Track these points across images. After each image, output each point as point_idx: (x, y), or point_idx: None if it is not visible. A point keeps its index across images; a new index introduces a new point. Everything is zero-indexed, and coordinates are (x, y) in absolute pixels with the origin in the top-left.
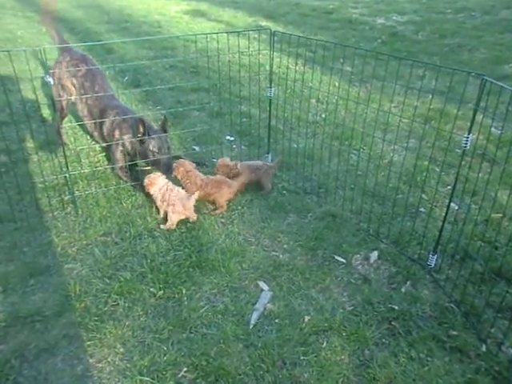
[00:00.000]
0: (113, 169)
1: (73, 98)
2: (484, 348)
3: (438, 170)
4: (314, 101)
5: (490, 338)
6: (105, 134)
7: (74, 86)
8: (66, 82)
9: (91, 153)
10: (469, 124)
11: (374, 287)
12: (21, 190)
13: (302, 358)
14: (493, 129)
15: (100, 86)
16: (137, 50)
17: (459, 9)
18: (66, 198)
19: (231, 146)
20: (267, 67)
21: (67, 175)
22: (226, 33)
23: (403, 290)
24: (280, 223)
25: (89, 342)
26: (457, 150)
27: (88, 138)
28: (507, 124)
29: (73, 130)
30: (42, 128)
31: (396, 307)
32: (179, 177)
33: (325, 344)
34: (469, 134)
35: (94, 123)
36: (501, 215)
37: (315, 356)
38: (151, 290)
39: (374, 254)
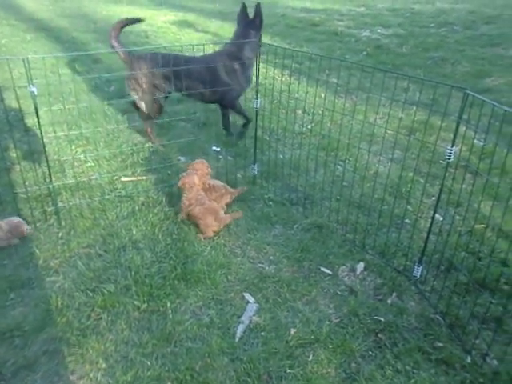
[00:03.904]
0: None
1: (171, 89)
2: (469, 359)
3: (422, 181)
4: (300, 112)
5: (475, 349)
6: (224, 79)
7: (167, 78)
8: (157, 80)
9: (75, 163)
10: (452, 136)
11: (361, 299)
12: (2, 200)
13: (288, 371)
14: (475, 141)
15: (188, 59)
16: None
17: (442, 23)
18: (49, 210)
19: (217, 157)
20: (254, 78)
21: (50, 186)
22: (213, 43)
23: (389, 301)
24: (266, 234)
25: (70, 358)
26: (441, 162)
27: (72, 148)
28: (489, 136)
29: (57, 140)
30: (26, 138)
31: (382, 319)
32: (182, 187)
33: (311, 357)
34: (452, 147)
35: (212, 86)
36: (484, 226)
37: (301, 369)
38: (135, 303)
39: (361, 265)
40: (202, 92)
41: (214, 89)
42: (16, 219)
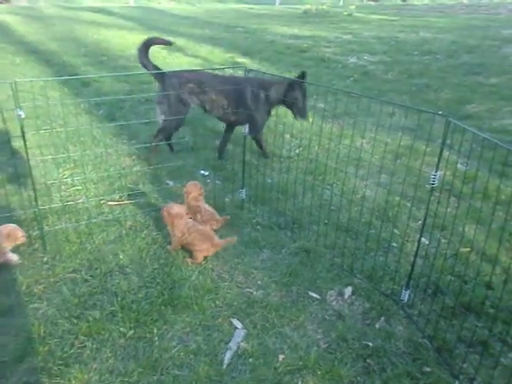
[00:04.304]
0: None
1: (195, 105)
2: None
3: (409, 205)
4: (288, 136)
5: (463, 373)
6: (249, 103)
7: (194, 93)
8: (184, 95)
9: (62, 186)
10: (436, 160)
11: (349, 323)
12: None
13: None
14: (459, 165)
15: (217, 77)
16: (113, 84)
17: (425, 51)
18: (34, 234)
19: (205, 181)
20: None
21: (36, 209)
22: (202, 69)
23: (377, 325)
24: (254, 259)
25: None
26: (426, 186)
27: (60, 171)
28: (471, 161)
29: (44, 164)
30: (12, 161)
31: (370, 344)
32: (165, 222)
33: None
34: (436, 171)
35: (235, 106)
36: (469, 249)
37: None
38: (121, 329)
39: (348, 290)
40: (227, 112)
41: (238, 109)
42: (11, 225)
